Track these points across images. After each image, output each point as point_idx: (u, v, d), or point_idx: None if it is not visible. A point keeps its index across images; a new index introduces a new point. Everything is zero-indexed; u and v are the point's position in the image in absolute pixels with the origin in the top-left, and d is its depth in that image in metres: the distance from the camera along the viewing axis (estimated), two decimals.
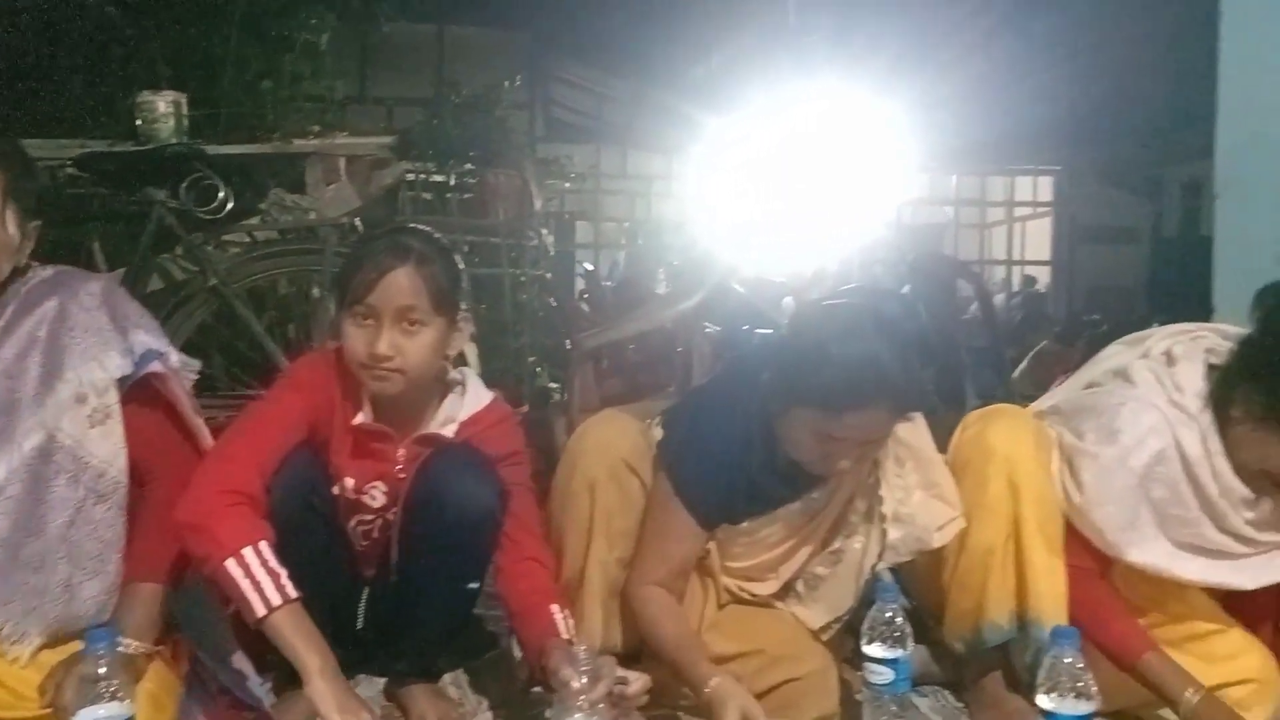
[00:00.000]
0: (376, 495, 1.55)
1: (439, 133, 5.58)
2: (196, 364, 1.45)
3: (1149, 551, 1.54)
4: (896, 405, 1.44)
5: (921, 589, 1.70)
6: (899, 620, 1.48)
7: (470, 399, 1.56)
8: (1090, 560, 1.56)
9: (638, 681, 1.36)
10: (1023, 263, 13.57)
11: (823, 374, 1.39)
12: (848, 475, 1.54)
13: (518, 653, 1.70)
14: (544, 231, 5.16)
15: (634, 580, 1.55)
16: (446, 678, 1.70)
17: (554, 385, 4.64)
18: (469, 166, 5.55)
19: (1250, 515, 1.53)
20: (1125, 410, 1.55)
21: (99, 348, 1.30)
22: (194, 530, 1.29)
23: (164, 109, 2.73)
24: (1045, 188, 13.44)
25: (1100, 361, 1.73)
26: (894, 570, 1.62)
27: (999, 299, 12.66)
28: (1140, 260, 11.76)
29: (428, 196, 5.27)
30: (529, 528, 1.53)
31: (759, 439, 1.51)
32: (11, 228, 1.32)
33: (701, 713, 1.46)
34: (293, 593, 1.28)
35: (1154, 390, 1.56)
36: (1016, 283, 13.05)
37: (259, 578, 1.27)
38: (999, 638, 1.57)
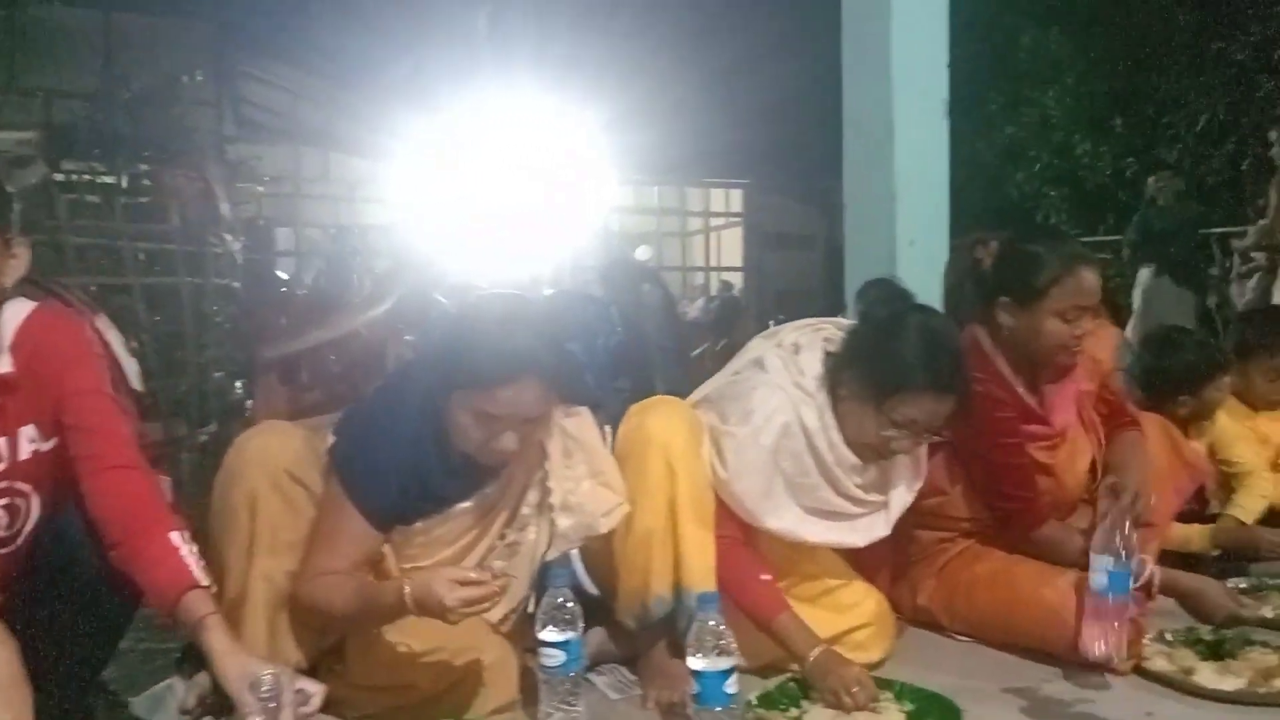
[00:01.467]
0: None
1: (106, 129, 5.06)
2: None
3: (782, 518, 1.76)
4: (546, 380, 1.50)
5: (599, 573, 1.82)
6: (569, 605, 1.58)
7: (8, 318, 1.38)
8: (735, 529, 1.76)
9: (316, 695, 1.34)
10: (720, 269, 14.58)
11: (474, 354, 1.47)
12: (519, 467, 1.61)
13: (180, 688, 1.63)
14: (229, 238, 4.84)
15: (303, 578, 1.51)
16: None
17: (250, 401, 4.37)
18: (143, 167, 5.10)
19: (859, 480, 1.80)
20: (757, 393, 1.78)
21: None
22: None
23: None
24: (737, 200, 14.54)
25: (744, 354, 1.95)
26: (583, 557, 1.74)
27: (699, 303, 13.52)
28: (817, 265, 13.04)
29: (94, 199, 4.77)
30: (110, 435, 1.38)
31: (429, 437, 1.54)
32: None
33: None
34: None
35: (781, 375, 1.80)
36: (715, 287, 14.00)
37: None
38: (663, 610, 1.71)
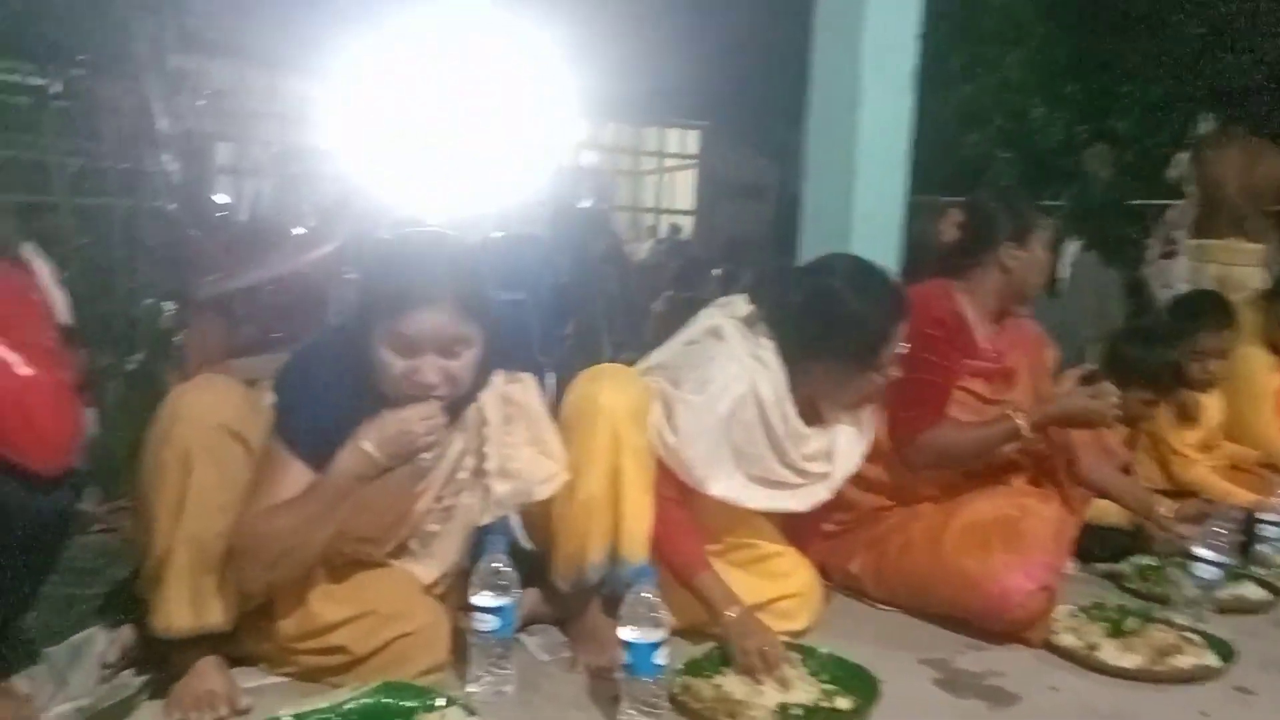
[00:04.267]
0: None
1: (39, 28, 4.78)
2: None
3: (727, 485, 1.78)
4: (460, 303, 1.48)
5: (536, 535, 1.82)
6: (505, 570, 1.58)
7: None
8: (674, 491, 1.77)
9: None
10: (670, 211, 14.50)
11: (388, 281, 1.48)
12: (453, 431, 1.59)
13: (102, 638, 1.60)
14: (166, 157, 4.65)
15: (239, 526, 1.46)
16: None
17: (181, 331, 4.24)
18: (76, 73, 4.84)
19: (806, 450, 1.83)
20: (715, 363, 1.79)
21: None
22: None
23: None
24: (693, 142, 14.40)
25: (697, 321, 1.94)
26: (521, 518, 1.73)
27: (648, 245, 13.47)
28: (769, 215, 13.04)
29: (23, 100, 4.52)
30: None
31: (366, 391, 1.51)
32: None
33: None
34: None
35: (739, 345, 1.82)
36: (664, 230, 13.95)
37: None
38: (598, 575, 1.72)
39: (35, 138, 4.25)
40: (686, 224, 14.07)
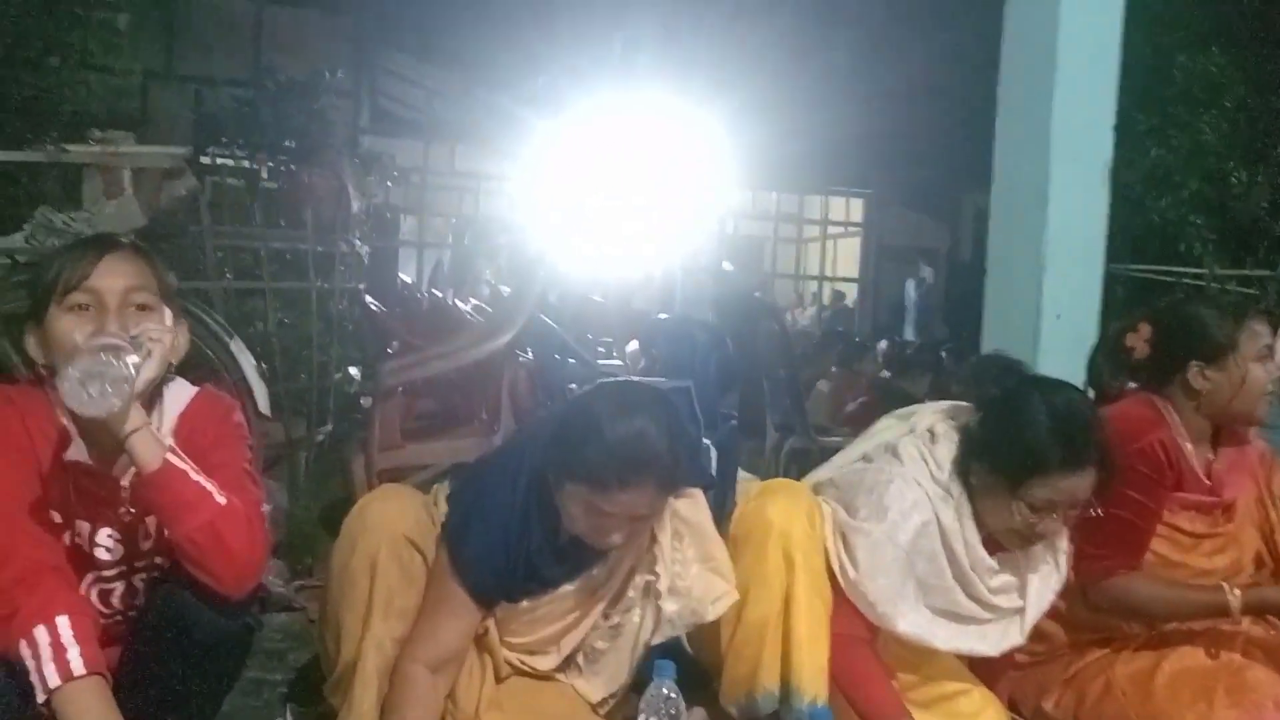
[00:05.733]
0: (110, 544, 1.42)
1: (252, 119, 5.24)
2: None
3: (913, 621, 1.67)
4: (664, 483, 1.48)
5: (704, 653, 1.77)
6: (673, 697, 1.54)
7: (170, 402, 1.45)
8: (859, 628, 1.67)
9: None
10: (833, 279, 14.31)
11: (591, 451, 1.43)
12: (626, 550, 1.58)
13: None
14: (358, 242, 4.96)
15: (403, 656, 1.51)
16: None
17: (366, 400, 4.47)
18: (283, 159, 5.24)
19: (994, 583, 1.69)
20: (893, 487, 1.69)
21: None
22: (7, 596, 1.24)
23: None
24: (857, 208, 14.21)
25: (873, 435, 1.85)
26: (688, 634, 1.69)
27: (811, 311, 13.29)
28: (938, 280, 12.65)
29: (235, 182, 4.94)
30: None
31: (538, 518, 1.53)
32: None
33: None
34: (81, 669, 1.21)
35: (918, 467, 1.70)
36: (827, 296, 13.79)
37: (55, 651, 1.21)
38: (771, 705, 1.65)
39: (243, 225, 4.62)
40: (850, 291, 13.84)
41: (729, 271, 6.83)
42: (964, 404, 1.80)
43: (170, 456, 1.28)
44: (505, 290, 5.94)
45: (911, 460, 1.72)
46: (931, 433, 1.75)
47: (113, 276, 1.34)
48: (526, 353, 3.65)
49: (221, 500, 1.32)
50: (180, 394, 1.47)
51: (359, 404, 4.46)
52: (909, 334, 11.11)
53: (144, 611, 1.41)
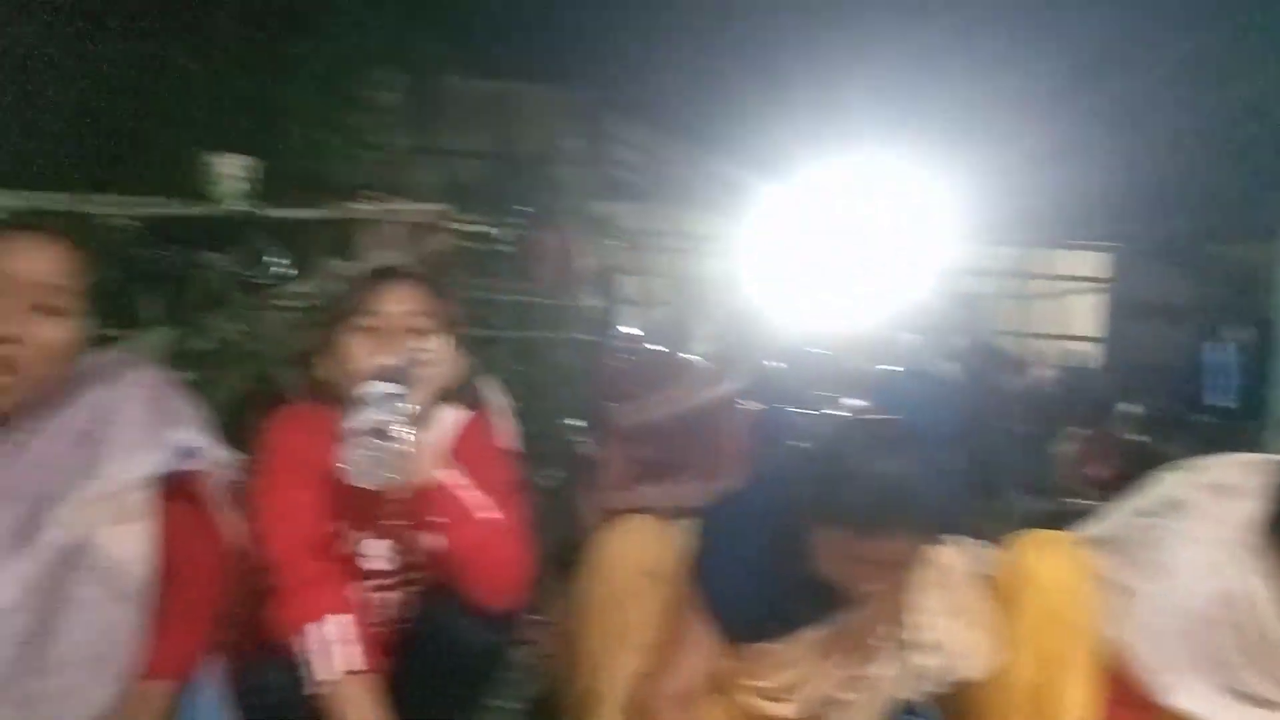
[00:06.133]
0: (384, 554, 1.51)
1: (496, 189, 5.65)
2: (236, 458, 1.44)
3: (1192, 696, 1.48)
4: (926, 530, 1.40)
5: (958, 713, 1.64)
6: None
7: (449, 424, 1.52)
8: (1129, 697, 1.50)
9: None
10: (1070, 338, 13.33)
11: (848, 493, 1.35)
12: (879, 598, 1.50)
13: None
14: (585, 293, 5.18)
15: (643, 691, 1.50)
16: None
17: (587, 448, 4.60)
18: (519, 222, 5.59)
19: None
20: (1177, 546, 1.52)
21: (136, 444, 1.29)
22: (290, 594, 1.34)
23: (229, 171, 2.79)
24: (1092, 262, 13.23)
25: (1154, 488, 1.68)
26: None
27: (1048, 373, 12.44)
28: (1191, 341, 11.49)
29: (478, 246, 5.32)
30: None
31: (788, 555, 1.47)
32: (82, 326, 1.32)
33: None
34: (355, 665, 1.29)
35: (1211, 527, 1.52)
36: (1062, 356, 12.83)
37: (329, 647, 1.30)
38: None
39: (482, 279, 4.93)
40: (1081, 350, 12.84)
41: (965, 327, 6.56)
42: (1266, 457, 1.59)
43: (442, 475, 1.36)
44: (724, 346, 6.00)
45: (1199, 516, 1.54)
46: (1225, 488, 1.56)
47: (396, 302, 1.46)
48: (750, 403, 3.64)
49: (491, 516, 1.38)
50: (455, 415, 1.55)
51: (585, 450, 4.60)
52: (1209, 399, 9.98)
53: (411, 622, 1.49)
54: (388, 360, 1.37)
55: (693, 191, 10.39)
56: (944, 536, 1.51)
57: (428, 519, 1.41)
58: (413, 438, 1.33)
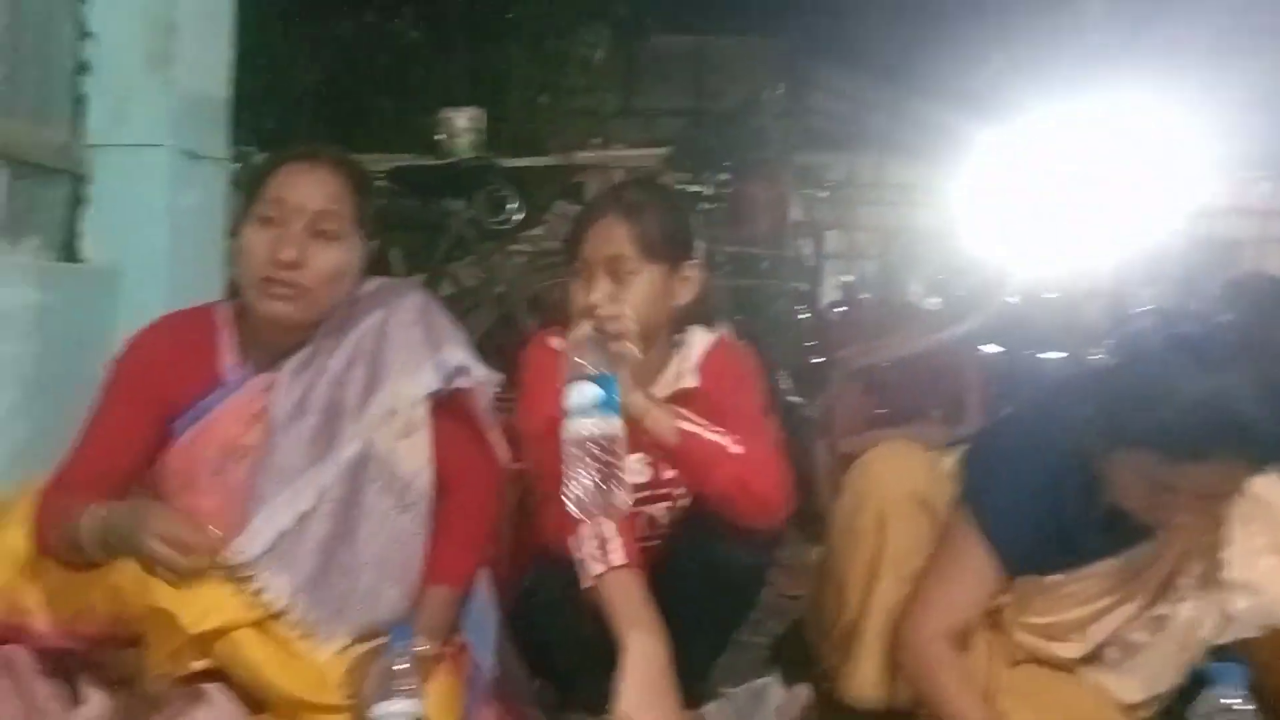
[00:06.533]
0: (639, 468, 1.50)
1: (698, 144, 5.63)
2: (499, 377, 1.49)
3: None
4: (1252, 456, 1.23)
5: (1264, 670, 1.46)
6: (1240, 709, 1.28)
7: (695, 342, 1.52)
8: None
9: None
10: None
11: (1164, 414, 1.21)
12: (1189, 531, 1.35)
13: (778, 692, 1.64)
14: (800, 243, 5.06)
15: (916, 629, 1.40)
16: (710, 707, 1.66)
17: (798, 400, 4.52)
18: (724, 177, 5.55)
19: None
20: None
21: (413, 364, 1.37)
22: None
23: (464, 124, 2.90)
24: None
25: None
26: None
27: None
28: None
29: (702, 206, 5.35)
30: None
31: (1075, 481, 1.34)
32: (359, 250, 1.41)
33: None
34: (621, 560, 1.29)
35: None
36: None
37: (602, 544, 1.30)
38: None
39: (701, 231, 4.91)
40: None
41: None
42: None
43: (683, 424, 1.35)
44: (933, 302, 5.73)
45: None
46: None
47: (605, 243, 1.44)
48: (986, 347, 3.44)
49: (738, 450, 1.36)
50: (701, 339, 1.54)
51: (800, 409, 4.52)
52: None
53: (668, 540, 1.49)
54: (579, 357, 1.30)
55: (899, 138, 9.95)
56: (1269, 465, 1.33)
57: (679, 467, 1.42)
58: (624, 457, 1.25)
